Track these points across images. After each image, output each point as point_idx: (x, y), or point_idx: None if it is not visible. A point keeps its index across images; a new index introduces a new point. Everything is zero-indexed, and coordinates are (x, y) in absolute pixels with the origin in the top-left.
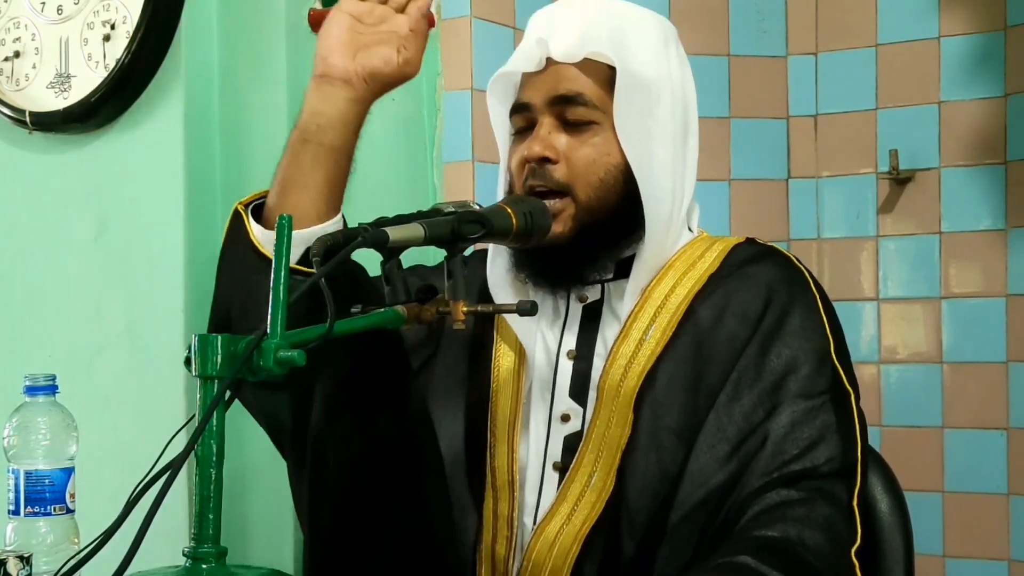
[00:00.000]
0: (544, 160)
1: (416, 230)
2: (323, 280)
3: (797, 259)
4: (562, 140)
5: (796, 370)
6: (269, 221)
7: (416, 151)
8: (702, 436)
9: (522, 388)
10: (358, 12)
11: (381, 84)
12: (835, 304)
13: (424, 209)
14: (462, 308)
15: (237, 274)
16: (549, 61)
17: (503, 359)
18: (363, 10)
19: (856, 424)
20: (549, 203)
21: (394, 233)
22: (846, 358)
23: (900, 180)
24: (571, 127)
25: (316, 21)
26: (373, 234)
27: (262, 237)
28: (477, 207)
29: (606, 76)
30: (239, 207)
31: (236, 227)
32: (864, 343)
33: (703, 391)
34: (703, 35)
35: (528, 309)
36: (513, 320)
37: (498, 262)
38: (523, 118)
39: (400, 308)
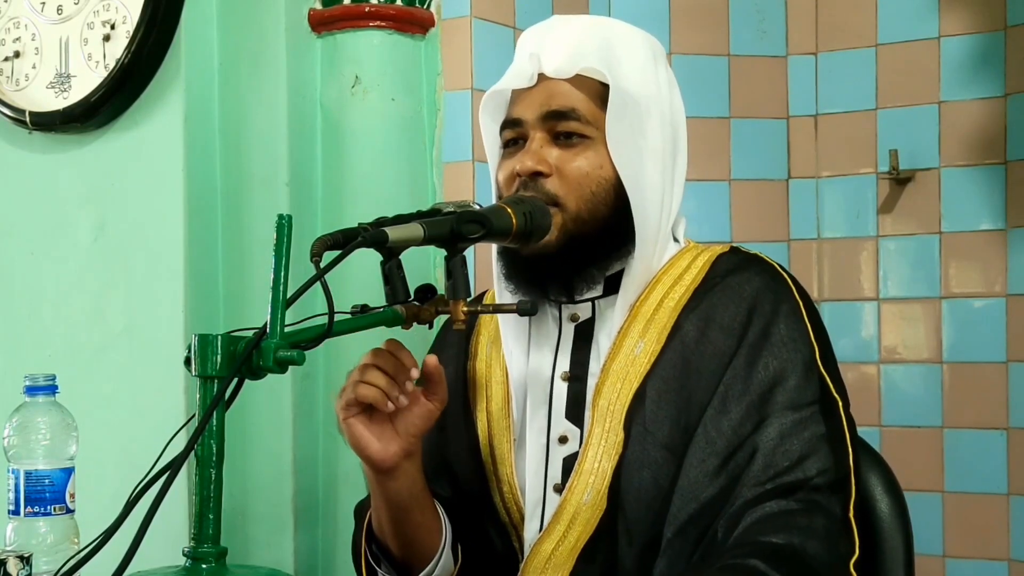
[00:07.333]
0: (537, 174)
1: (415, 230)
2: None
3: (780, 266)
4: (554, 154)
5: (783, 381)
6: (401, 566)
7: (416, 151)
8: (691, 451)
9: (513, 425)
10: (367, 401)
11: (427, 429)
12: (835, 304)
13: (424, 209)
14: (462, 308)
15: None
16: (541, 77)
17: (492, 403)
18: (373, 398)
19: (847, 433)
20: None
21: (393, 233)
22: (832, 364)
23: (900, 180)
24: (563, 141)
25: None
26: (373, 234)
27: None
28: (477, 207)
29: (598, 92)
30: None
31: None
32: (864, 343)
33: (692, 406)
34: (703, 35)
35: (528, 308)
36: (505, 341)
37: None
38: (513, 132)
39: (399, 308)
